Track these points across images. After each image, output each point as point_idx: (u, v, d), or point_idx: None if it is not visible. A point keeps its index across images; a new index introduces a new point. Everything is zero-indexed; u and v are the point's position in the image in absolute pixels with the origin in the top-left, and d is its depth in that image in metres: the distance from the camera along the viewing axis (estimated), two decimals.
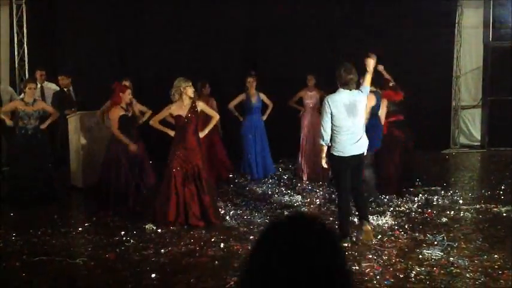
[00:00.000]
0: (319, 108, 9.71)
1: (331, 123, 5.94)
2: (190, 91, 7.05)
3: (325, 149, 6.09)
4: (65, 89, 10.26)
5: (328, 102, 5.95)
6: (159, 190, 7.24)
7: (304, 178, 9.74)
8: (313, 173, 9.63)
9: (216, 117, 7.69)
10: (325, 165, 6.26)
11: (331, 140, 6.01)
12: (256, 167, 9.86)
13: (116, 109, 7.70)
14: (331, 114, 5.91)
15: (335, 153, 6.03)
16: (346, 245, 6.07)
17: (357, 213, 6.53)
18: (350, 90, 5.96)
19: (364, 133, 6.15)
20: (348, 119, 5.91)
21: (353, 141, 5.97)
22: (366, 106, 6.29)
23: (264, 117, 9.96)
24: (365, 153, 6.26)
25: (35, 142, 8.36)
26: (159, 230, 6.82)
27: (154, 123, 7.31)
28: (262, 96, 9.89)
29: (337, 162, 6.11)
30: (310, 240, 1.36)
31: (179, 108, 7.05)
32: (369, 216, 6.62)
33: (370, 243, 6.19)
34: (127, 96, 7.78)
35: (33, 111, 8.35)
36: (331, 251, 1.38)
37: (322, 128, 6.00)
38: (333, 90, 6.17)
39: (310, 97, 9.94)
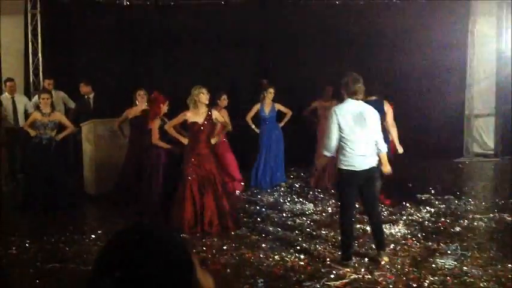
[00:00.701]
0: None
1: (340, 135, 5.69)
2: (203, 98, 7.13)
3: (325, 158, 5.98)
4: (86, 97, 10.35)
5: (335, 112, 5.70)
6: (174, 198, 7.28)
7: (313, 185, 9.78)
8: (324, 182, 9.67)
9: (227, 126, 7.91)
10: (319, 167, 6.12)
11: (339, 153, 5.77)
12: (264, 177, 9.90)
13: (157, 120, 7.85)
14: (339, 125, 5.65)
15: (343, 167, 5.73)
16: (348, 270, 5.62)
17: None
18: (358, 100, 5.76)
19: (376, 147, 5.81)
20: (355, 131, 5.64)
21: (361, 154, 5.66)
22: (379, 119, 5.89)
23: (281, 124, 10.01)
24: (375, 167, 5.83)
25: (48, 152, 8.41)
26: None
27: (169, 128, 7.45)
28: (278, 106, 9.95)
29: (344, 177, 5.81)
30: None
31: (195, 115, 7.16)
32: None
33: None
34: (165, 107, 7.98)
35: (49, 121, 8.42)
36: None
37: (327, 138, 5.73)
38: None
39: (324, 108, 9.90)
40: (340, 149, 5.74)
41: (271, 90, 9.79)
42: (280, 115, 10.10)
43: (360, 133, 5.64)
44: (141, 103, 8.80)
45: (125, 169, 8.78)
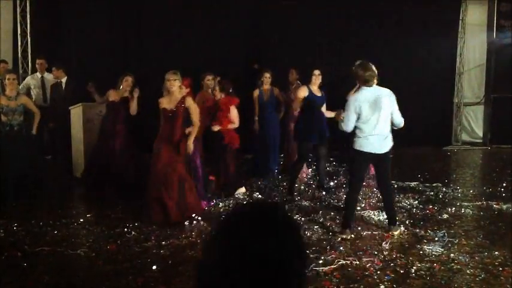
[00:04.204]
0: (285, 101, 9.59)
1: (357, 120, 5.93)
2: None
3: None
4: (58, 81, 10.20)
5: (353, 103, 5.92)
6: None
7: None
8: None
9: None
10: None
11: (354, 135, 6.02)
12: (273, 166, 9.62)
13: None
14: (355, 113, 5.89)
15: (357, 148, 6.00)
16: (345, 237, 6.13)
17: (385, 217, 6.70)
18: (371, 86, 5.93)
19: (390, 132, 6.07)
20: (371, 117, 5.88)
21: (378, 140, 5.95)
22: (393, 104, 6.03)
23: (280, 115, 9.75)
24: (388, 150, 6.11)
25: (20, 138, 8.07)
26: None
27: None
28: (277, 92, 9.57)
29: (357, 158, 6.09)
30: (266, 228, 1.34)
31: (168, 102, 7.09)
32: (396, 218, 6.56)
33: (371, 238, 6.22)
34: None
35: (17, 106, 7.99)
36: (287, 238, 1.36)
37: (346, 121, 5.95)
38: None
39: (291, 89, 9.58)
40: (356, 131, 6.00)
41: (267, 75, 9.38)
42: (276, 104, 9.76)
43: (376, 118, 5.89)
44: (124, 88, 8.63)
45: (96, 150, 8.75)
